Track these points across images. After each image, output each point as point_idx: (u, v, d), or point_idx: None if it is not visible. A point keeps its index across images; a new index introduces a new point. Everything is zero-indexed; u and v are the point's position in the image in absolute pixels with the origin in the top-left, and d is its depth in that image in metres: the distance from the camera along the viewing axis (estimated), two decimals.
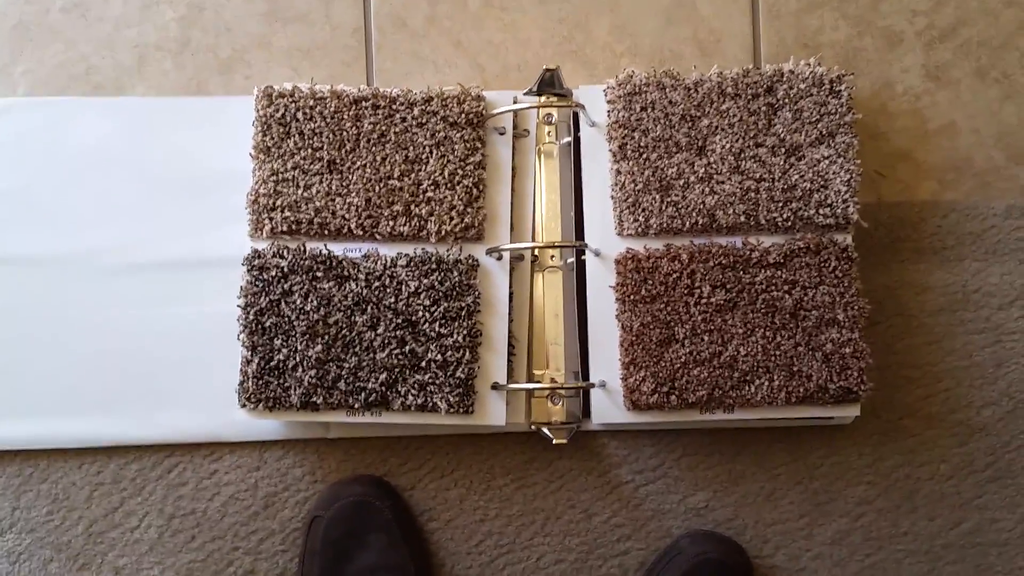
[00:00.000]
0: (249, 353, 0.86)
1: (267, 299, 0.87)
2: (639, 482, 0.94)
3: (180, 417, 0.93)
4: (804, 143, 0.89)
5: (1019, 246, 0.96)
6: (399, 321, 0.87)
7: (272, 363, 0.86)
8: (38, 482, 0.93)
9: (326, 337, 0.86)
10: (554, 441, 0.89)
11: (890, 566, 0.94)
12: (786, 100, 0.90)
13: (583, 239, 0.91)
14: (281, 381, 0.86)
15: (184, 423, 0.93)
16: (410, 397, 0.86)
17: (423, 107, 0.90)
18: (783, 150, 0.89)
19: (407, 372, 0.86)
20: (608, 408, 0.89)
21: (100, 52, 0.97)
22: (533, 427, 0.91)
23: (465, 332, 0.87)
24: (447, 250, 0.89)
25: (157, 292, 0.94)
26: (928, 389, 0.95)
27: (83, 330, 0.93)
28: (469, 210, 0.89)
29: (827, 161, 0.89)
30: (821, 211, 0.88)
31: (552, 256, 0.92)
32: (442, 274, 0.87)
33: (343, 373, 0.86)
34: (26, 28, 0.97)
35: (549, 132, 0.94)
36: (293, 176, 0.89)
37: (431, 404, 0.86)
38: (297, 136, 0.89)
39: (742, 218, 0.88)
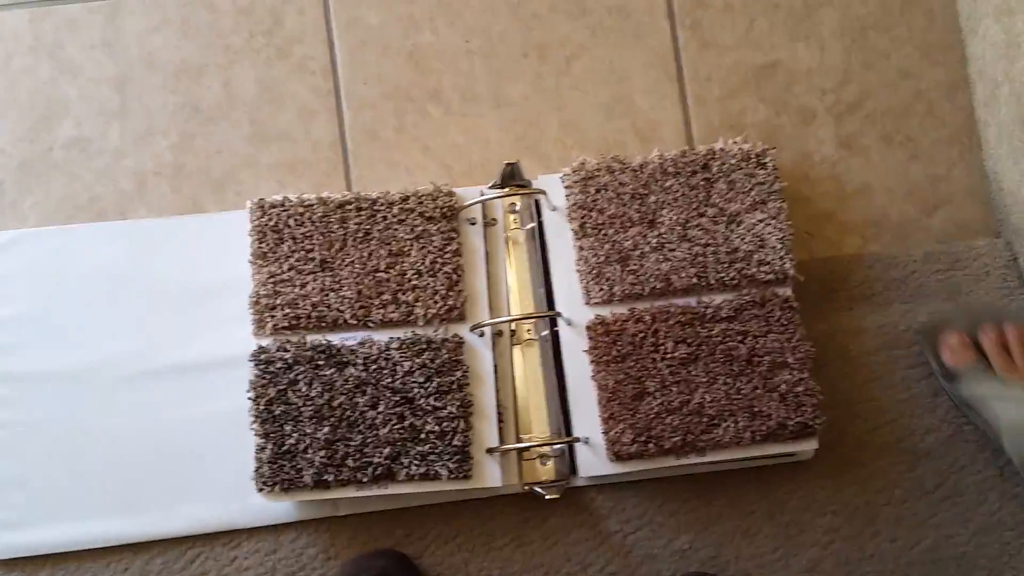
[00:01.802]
0: (262, 440, 0.93)
1: (275, 389, 0.94)
2: (627, 531, 1.01)
3: (198, 509, 0.99)
4: (741, 210, 1.00)
5: (940, 287, 1.07)
6: (397, 399, 0.95)
7: (284, 447, 0.93)
8: None
9: (332, 419, 0.94)
10: (547, 497, 0.97)
11: None
12: (720, 174, 1.01)
13: (554, 310, 1.00)
14: (294, 463, 0.93)
15: (202, 514, 0.99)
16: (413, 467, 0.93)
17: (401, 205, 1.00)
18: (723, 218, 1.00)
19: (408, 444, 0.94)
20: (593, 462, 0.97)
21: (101, 181, 1.06)
22: (526, 487, 0.99)
23: (458, 403, 0.95)
24: (434, 331, 0.97)
25: (168, 395, 1.01)
26: (875, 422, 1.04)
27: (101, 436, 1.00)
28: (451, 293, 0.98)
29: (762, 224, 0.99)
30: (762, 268, 0.98)
31: (528, 330, 1.01)
32: (432, 352, 0.96)
33: (350, 451, 0.93)
34: (31, 165, 1.06)
35: (514, 219, 1.04)
36: (289, 277, 0.98)
37: (433, 472, 0.93)
38: (290, 241, 0.98)
39: (694, 280, 0.98)
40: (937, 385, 1.04)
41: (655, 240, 0.99)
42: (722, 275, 0.98)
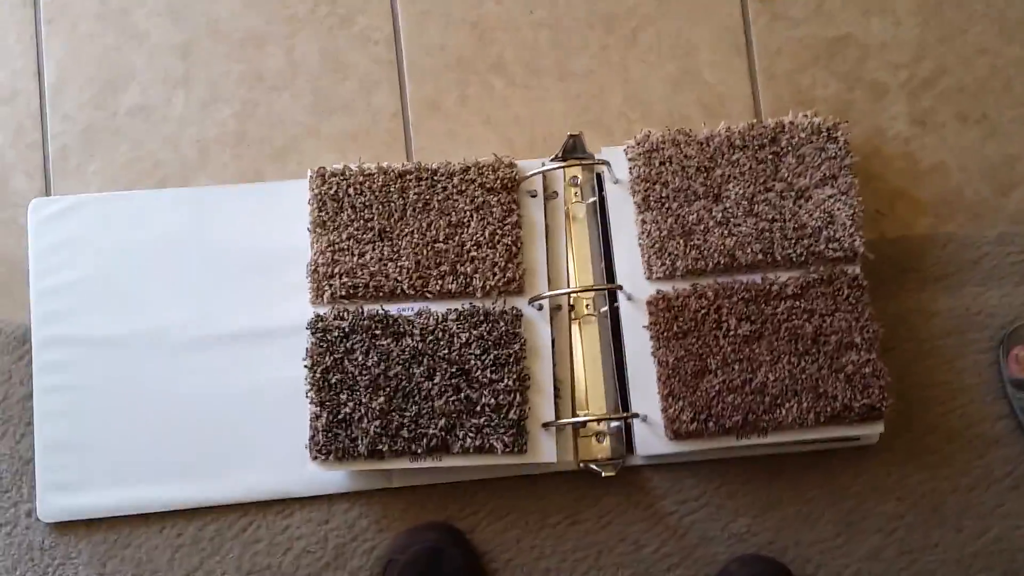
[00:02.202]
0: (317, 409, 0.93)
1: (331, 358, 0.94)
2: (683, 512, 1.00)
3: (252, 477, 0.99)
4: (809, 185, 0.98)
5: (1013, 269, 1.04)
6: (453, 370, 0.94)
7: (339, 416, 0.93)
8: (122, 548, 0.99)
9: (387, 389, 0.93)
10: (603, 475, 0.96)
11: None
12: (789, 148, 0.99)
13: (615, 284, 0.99)
14: (348, 432, 0.92)
15: (256, 482, 0.99)
16: (468, 440, 0.92)
17: (462, 176, 0.99)
18: (791, 193, 0.98)
19: (464, 417, 0.93)
20: (650, 440, 0.96)
21: (165, 148, 1.07)
22: (581, 465, 0.98)
23: (515, 377, 0.94)
24: (492, 303, 0.96)
25: (225, 363, 1.01)
26: (945, 407, 1.01)
27: (159, 402, 1.00)
28: (510, 266, 0.97)
29: (831, 200, 0.97)
30: (830, 245, 0.96)
31: (587, 304, 1.00)
32: (489, 325, 0.95)
33: (405, 421, 0.92)
34: (96, 131, 1.07)
35: (575, 193, 1.02)
36: (348, 246, 0.97)
37: (488, 445, 0.93)
38: (350, 210, 0.98)
39: (759, 256, 0.96)
40: None
41: (720, 215, 0.97)
42: (789, 251, 0.96)
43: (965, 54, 1.09)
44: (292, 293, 0.99)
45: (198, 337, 1.01)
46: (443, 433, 0.92)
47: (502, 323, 0.95)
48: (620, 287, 0.98)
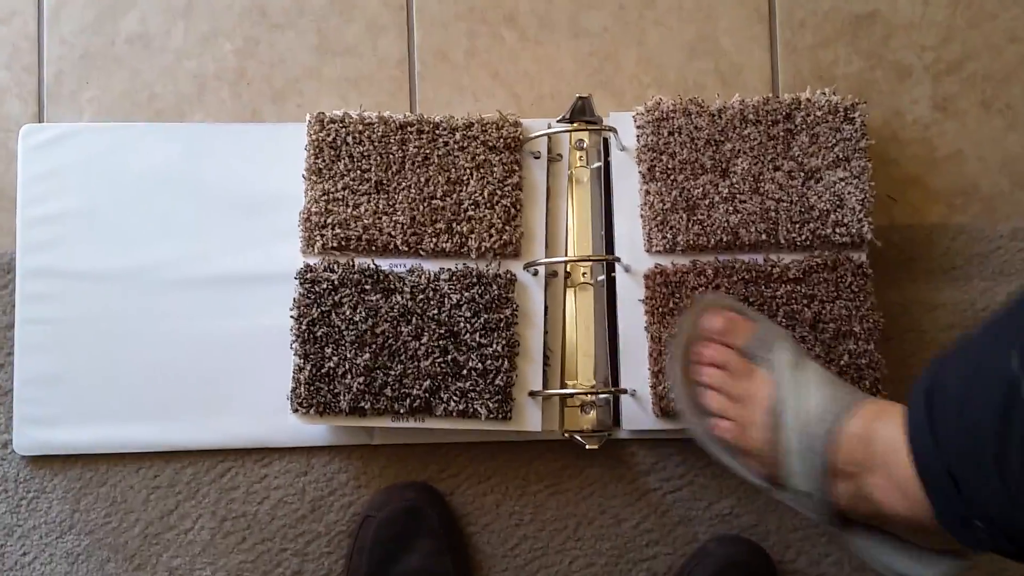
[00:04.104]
0: (301, 361, 0.91)
1: (318, 310, 0.92)
2: (667, 489, 0.99)
3: (233, 423, 0.97)
4: (821, 166, 0.95)
5: None
6: (442, 331, 0.92)
7: (323, 370, 0.91)
8: (97, 485, 0.98)
9: (374, 346, 0.91)
10: (587, 447, 0.94)
11: None
12: (803, 126, 0.96)
13: (613, 255, 0.96)
14: (331, 387, 0.91)
15: (237, 429, 0.97)
16: (452, 403, 0.91)
17: (464, 132, 0.96)
18: (801, 172, 0.95)
19: (449, 379, 0.91)
20: (638, 415, 0.94)
21: (162, 81, 1.04)
22: (566, 434, 0.96)
23: (504, 342, 0.92)
24: (487, 265, 0.94)
25: (212, 305, 0.99)
26: None
27: (142, 341, 0.98)
28: (507, 228, 0.94)
29: (842, 183, 0.94)
30: (837, 230, 0.93)
31: (584, 273, 0.97)
32: (482, 287, 0.93)
33: (389, 380, 0.91)
34: (93, 58, 1.04)
35: (580, 157, 0.99)
36: (343, 196, 0.95)
37: (472, 410, 0.91)
38: (347, 159, 0.95)
39: (763, 236, 0.94)
40: None
41: (726, 190, 0.94)
42: (794, 234, 0.94)
43: (994, 40, 1.05)
44: (282, 240, 0.96)
45: (185, 277, 0.99)
46: (427, 395, 0.91)
47: (495, 286, 0.93)
48: (618, 259, 0.95)
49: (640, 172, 0.96)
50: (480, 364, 0.91)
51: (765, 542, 0.97)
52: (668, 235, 0.94)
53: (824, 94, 0.97)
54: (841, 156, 0.95)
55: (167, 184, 1.01)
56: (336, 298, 0.92)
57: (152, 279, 0.99)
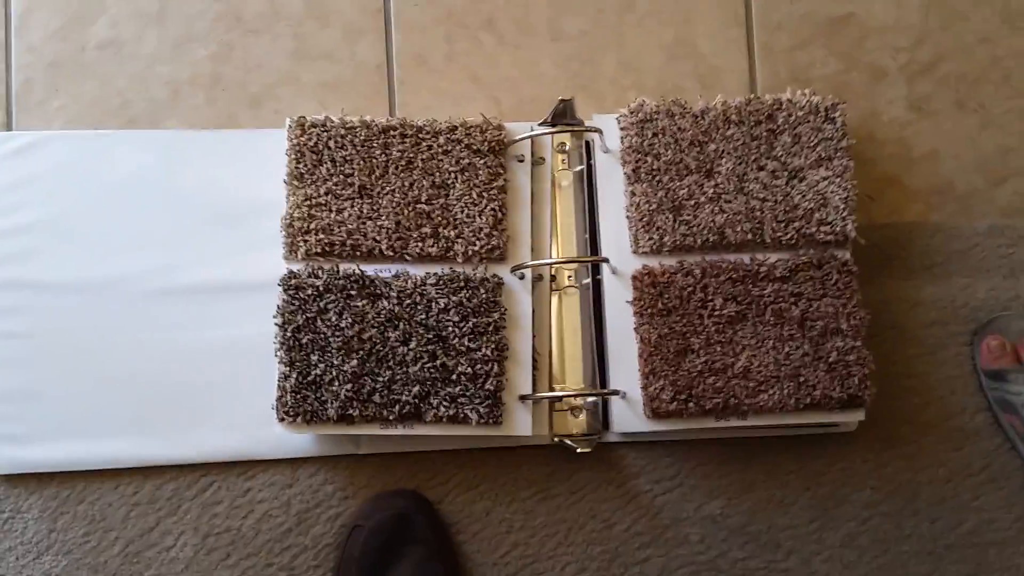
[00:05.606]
0: (287, 369, 0.89)
1: (303, 317, 0.90)
2: (657, 491, 0.98)
3: (214, 436, 0.95)
4: (804, 165, 0.95)
5: (1002, 263, 1.03)
6: (430, 336, 0.90)
7: (309, 378, 0.89)
8: (75, 503, 0.95)
9: (361, 352, 0.90)
10: (578, 451, 0.93)
11: (896, 567, 0.98)
12: (786, 126, 0.96)
13: (600, 256, 0.96)
14: (318, 395, 0.89)
15: (218, 442, 0.95)
16: (442, 409, 0.89)
17: (448, 136, 0.95)
18: (785, 172, 0.95)
19: (439, 385, 0.90)
20: (628, 417, 0.93)
21: (134, 88, 1.01)
22: (556, 439, 0.95)
23: (493, 346, 0.91)
24: (473, 269, 0.93)
25: (190, 316, 0.96)
26: (924, 397, 1.00)
27: (118, 353, 0.96)
28: (494, 232, 0.93)
29: (825, 182, 0.95)
30: (822, 228, 0.94)
31: (570, 276, 0.96)
32: (470, 292, 0.92)
33: (377, 386, 0.89)
34: (62, 65, 1.01)
35: (563, 160, 0.99)
36: (326, 201, 0.93)
37: (462, 415, 0.90)
38: (329, 163, 0.94)
39: (749, 235, 0.94)
40: None
41: (711, 191, 0.94)
42: (779, 233, 0.94)
43: (966, 42, 1.07)
44: (263, 247, 0.95)
45: (161, 288, 0.97)
46: (416, 400, 0.89)
47: (482, 291, 0.92)
48: (606, 260, 0.95)
49: (625, 174, 0.96)
50: (470, 368, 0.90)
51: (757, 541, 0.97)
52: (655, 236, 0.94)
53: (805, 95, 0.97)
54: (823, 155, 0.95)
55: (141, 193, 0.98)
56: (321, 304, 0.90)
57: (127, 290, 0.97)
